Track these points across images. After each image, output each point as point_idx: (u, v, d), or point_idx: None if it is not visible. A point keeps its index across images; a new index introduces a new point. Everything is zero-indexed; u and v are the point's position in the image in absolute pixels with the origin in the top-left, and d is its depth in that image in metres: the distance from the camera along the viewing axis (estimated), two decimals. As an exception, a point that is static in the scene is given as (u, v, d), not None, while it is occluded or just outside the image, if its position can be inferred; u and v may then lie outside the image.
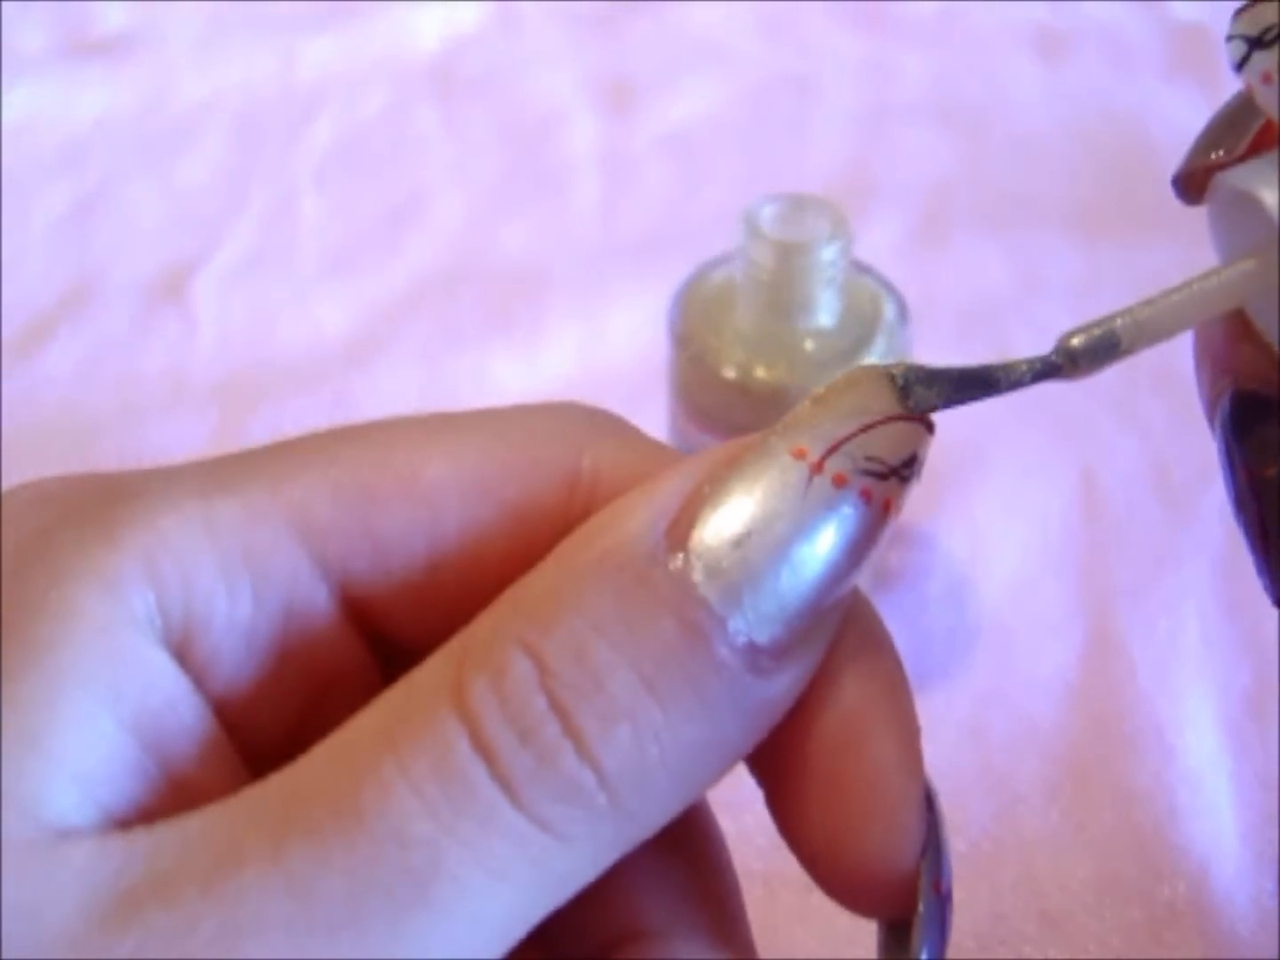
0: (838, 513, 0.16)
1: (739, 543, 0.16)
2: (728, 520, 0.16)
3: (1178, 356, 0.55)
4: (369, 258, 0.56)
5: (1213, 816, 0.37)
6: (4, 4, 0.68)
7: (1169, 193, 0.21)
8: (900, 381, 0.17)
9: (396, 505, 0.17)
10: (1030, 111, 0.62)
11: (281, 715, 0.17)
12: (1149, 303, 0.19)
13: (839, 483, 0.16)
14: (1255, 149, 0.20)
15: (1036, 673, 0.40)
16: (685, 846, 0.18)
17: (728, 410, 0.36)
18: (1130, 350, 0.19)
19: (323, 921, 0.14)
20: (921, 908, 0.17)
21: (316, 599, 0.17)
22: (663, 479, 0.17)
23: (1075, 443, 0.47)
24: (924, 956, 0.17)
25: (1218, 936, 0.34)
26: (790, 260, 0.35)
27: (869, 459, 0.16)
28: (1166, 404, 0.48)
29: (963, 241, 0.55)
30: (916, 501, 0.41)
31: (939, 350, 0.50)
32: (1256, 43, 0.18)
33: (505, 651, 0.15)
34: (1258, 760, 0.38)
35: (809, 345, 0.36)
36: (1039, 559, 0.43)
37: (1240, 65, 0.18)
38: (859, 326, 0.37)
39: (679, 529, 0.16)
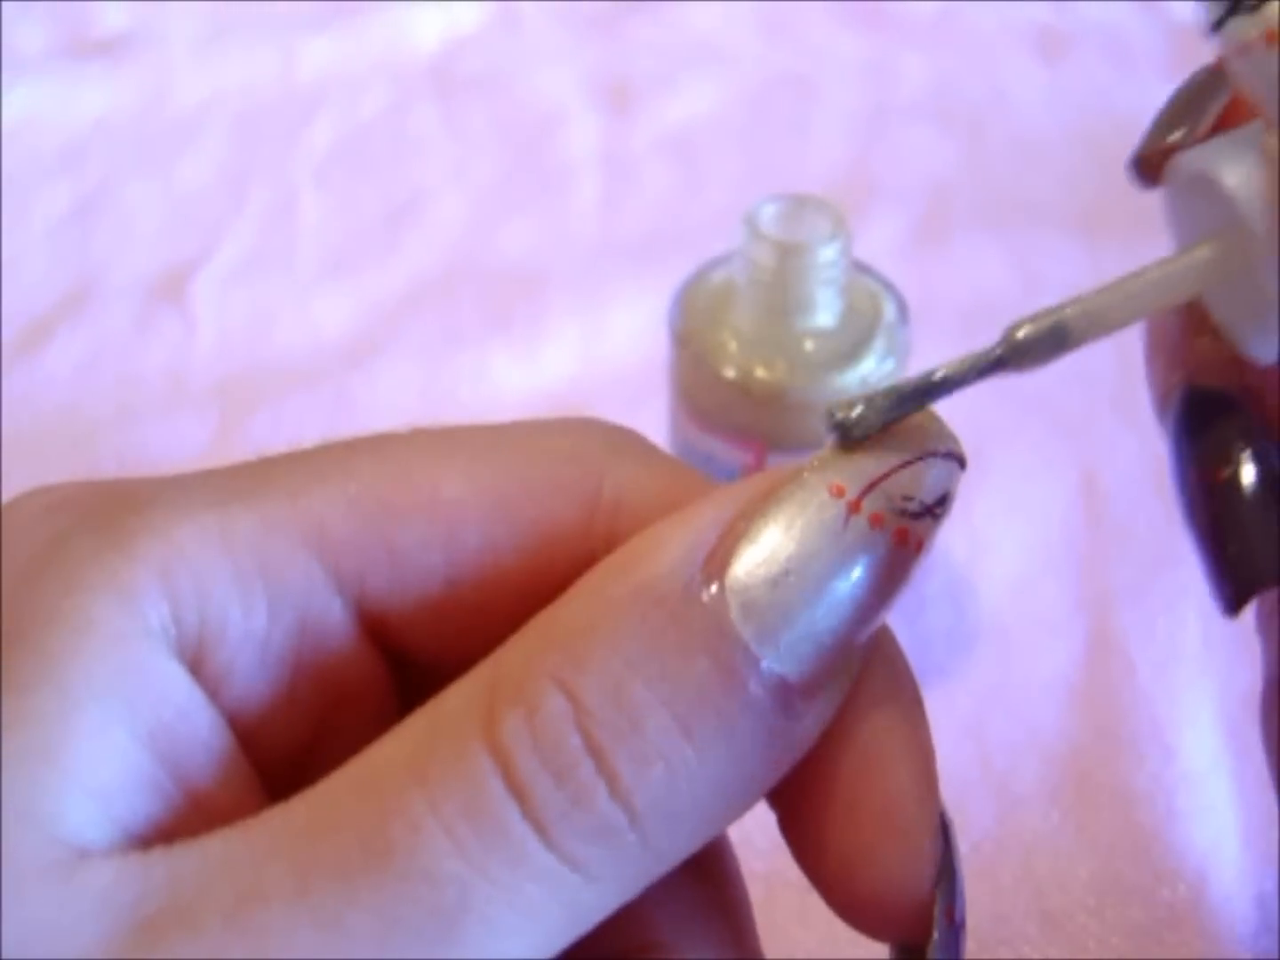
0: (873, 553, 0.16)
1: (776, 582, 0.16)
2: (765, 557, 0.16)
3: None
4: (369, 258, 0.56)
5: (1213, 817, 0.37)
6: (4, 4, 0.68)
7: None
8: (837, 416, 0.17)
9: (414, 522, 0.17)
10: (1030, 112, 0.62)
11: (296, 728, 0.17)
12: (1102, 290, 0.18)
13: (876, 523, 0.16)
14: (1219, 130, 0.19)
15: (1036, 673, 0.40)
16: (696, 857, 0.18)
17: (728, 410, 0.36)
18: (1080, 341, 0.18)
19: (353, 951, 0.14)
20: (936, 935, 0.17)
21: (332, 613, 0.17)
22: (698, 508, 0.16)
23: (1075, 443, 0.47)
24: None
25: (1218, 937, 0.34)
26: (790, 260, 0.35)
27: (905, 498, 0.16)
28: None
29: (963, 241, 0.55)
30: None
31: (939, 350, 0.50)
32: (1235, 5, 0.16)
33: (539, 687, 0.15)
34: (1258, 760, 0.38)
35: (809, 345, 0.36)
36: (1039, 559, 0.43)
37: (1215, 28, 0.17)
38: (859, 326, 0.36)
39: (715, 563, 0.16)
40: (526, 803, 0.14)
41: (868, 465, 0.16)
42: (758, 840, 0.36)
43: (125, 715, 0.15)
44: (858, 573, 0.16)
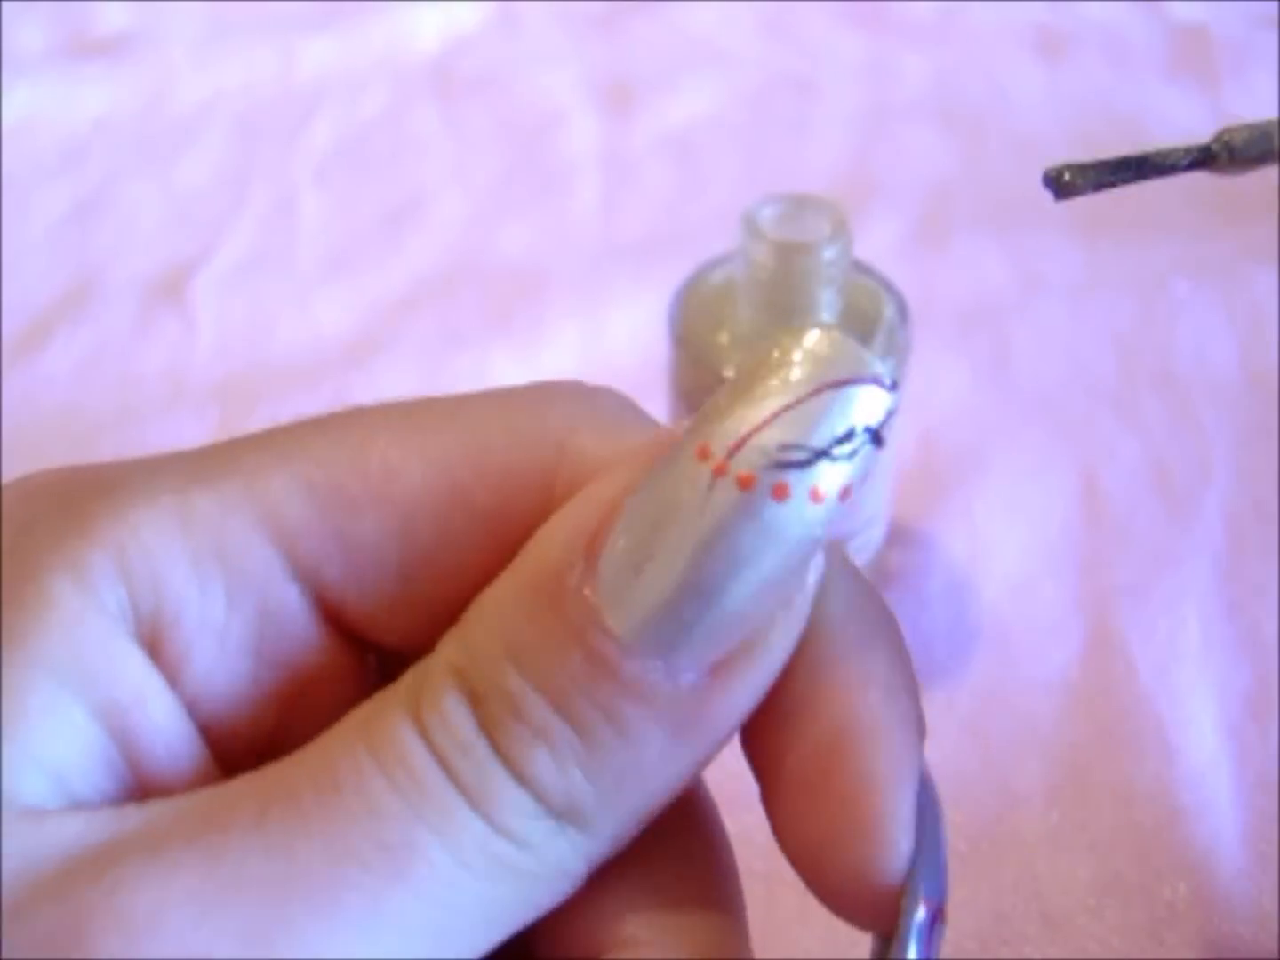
0: (749, 521, 0.14)
1: (638, 568, 0.15)
2: (628, 542, 0.15)
3: (1178, 357, 0.55)
4: (369, 258, 0.56)
5: (1213, 817, 0.37)
6: (4, 4, 0.68)
7: (1169, 192, 0.21)
8: (1049, 173, 0.16)
9: (368, 512, 0.17)
10: (1030, 112, 0.62)
11: (259, 714, 0.17)
12: None
13: (745, 484, 0.14)
14: None
15: (1037, 673, 0.40)
16: (680, 852, 0.17)
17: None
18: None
19: (301, 885, 0.14)
20: (901, 924, 0.16)
21: (290, 599, 0.17)
22: (589, 489, 0.16)
23: (1075, 443, 0.47)
24: None
25: (1218, 937, 0.34)
26: (790, 260, 0.35)
27: (784, 448, 0.14)
28: (1167, 404, 0.48)
29: (963, 241, 0.55)
30: (916, 501, 0.41)
31: (939, 350, 0.50)
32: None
33: (442, 676, 0.15)
34: (1258, 760, 0.38)
35: (809, 345, 0.36)
36: (1039, 559, 0.43)
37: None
38: (859, 326, 0.36)
39: (593, 549, 0.15)
40: (445, 766, 0.15)
41: (742, 413, 0.14)
42: (758, 839, 0.36)
43: (80, 692, 0.15)
44: (730, 546, 0.14)
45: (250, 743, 0.17)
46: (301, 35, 0.68)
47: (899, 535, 0.43)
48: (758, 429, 0.14)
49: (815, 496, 0.14)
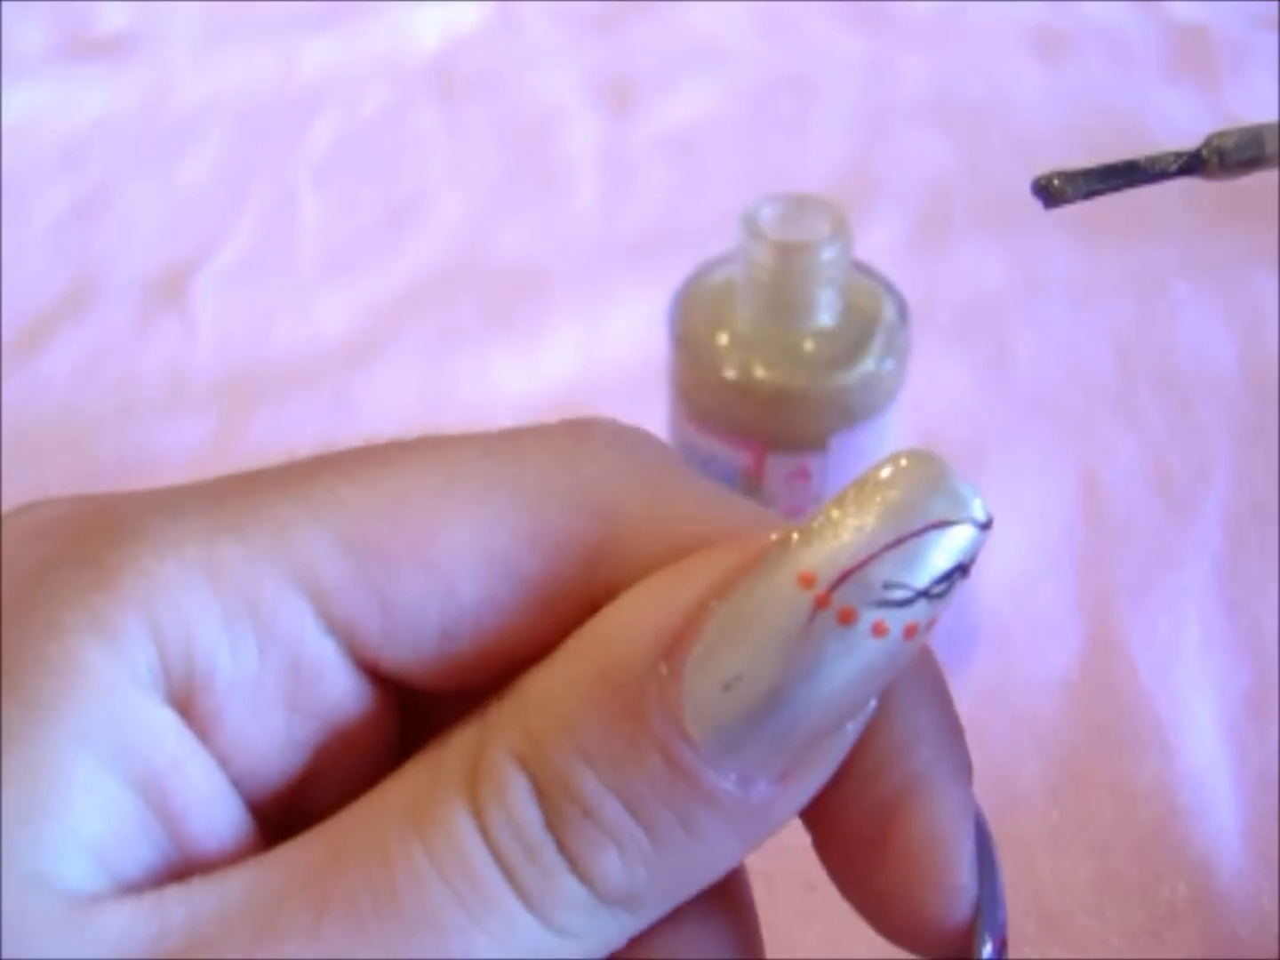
0: (844, 653, 0.14)
1: (729, 685, 0.14)
2: (719, 656, 0.15)
3: (1178, 357, 0.55)
4: (369, 258, 0.56)
5: (1213, 816, 0.37)
6: (4, 4, 0.68)
7: (1170, 192, 0.21)
8: (1039, 181, 0.16)
9: (408, 574, 0.16)
10: (1030, 111, 0.62)
11: (292, 766, 0.17)
12: None
13: (846, 619, 0.14)
14: None
15: (1037, 673, 0.40)
16: None
17: (728, 410, 0.36)
18: (1272, 158, 0.17)
19: None
20: (978, 956, 0.16)
21: (324, 654, 0.16)
22: (671, 581, 0.15)
23: (1075, 443, 0.47)
24: None
25: (1218, 936, 0.34)
26: (790, 260, 0.35)
27: (889, 586, 0.14)
28: (1167, 404, 0.48)
29: (963, 241, 0.55)
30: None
31: (939, 350, 0.50)
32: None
33: (506, 767, 0.15)
34: (1258, 760, 0.38)
35: (809, 345, 0.36)
36: (1039, 559, 0.43)
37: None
38: (859, 326, 0.36)
39: (677, 654, 0.15)
40: (506, 870, 0.15)
41: (849, 542, 0.14)
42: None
43: (116, 765, 0.15)
44: (823, 677, 0.14)
45: (285, 790, 0.17)
46: (301, 35, 0.68)
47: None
48: (863, 564, 0.14)
49: (909, 633, 0.15)
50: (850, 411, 0.36)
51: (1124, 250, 0.54)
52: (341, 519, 0.16)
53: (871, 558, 0.14)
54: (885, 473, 0.15)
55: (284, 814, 0.16)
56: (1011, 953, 0.34)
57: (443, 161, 0.61)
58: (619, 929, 0.15)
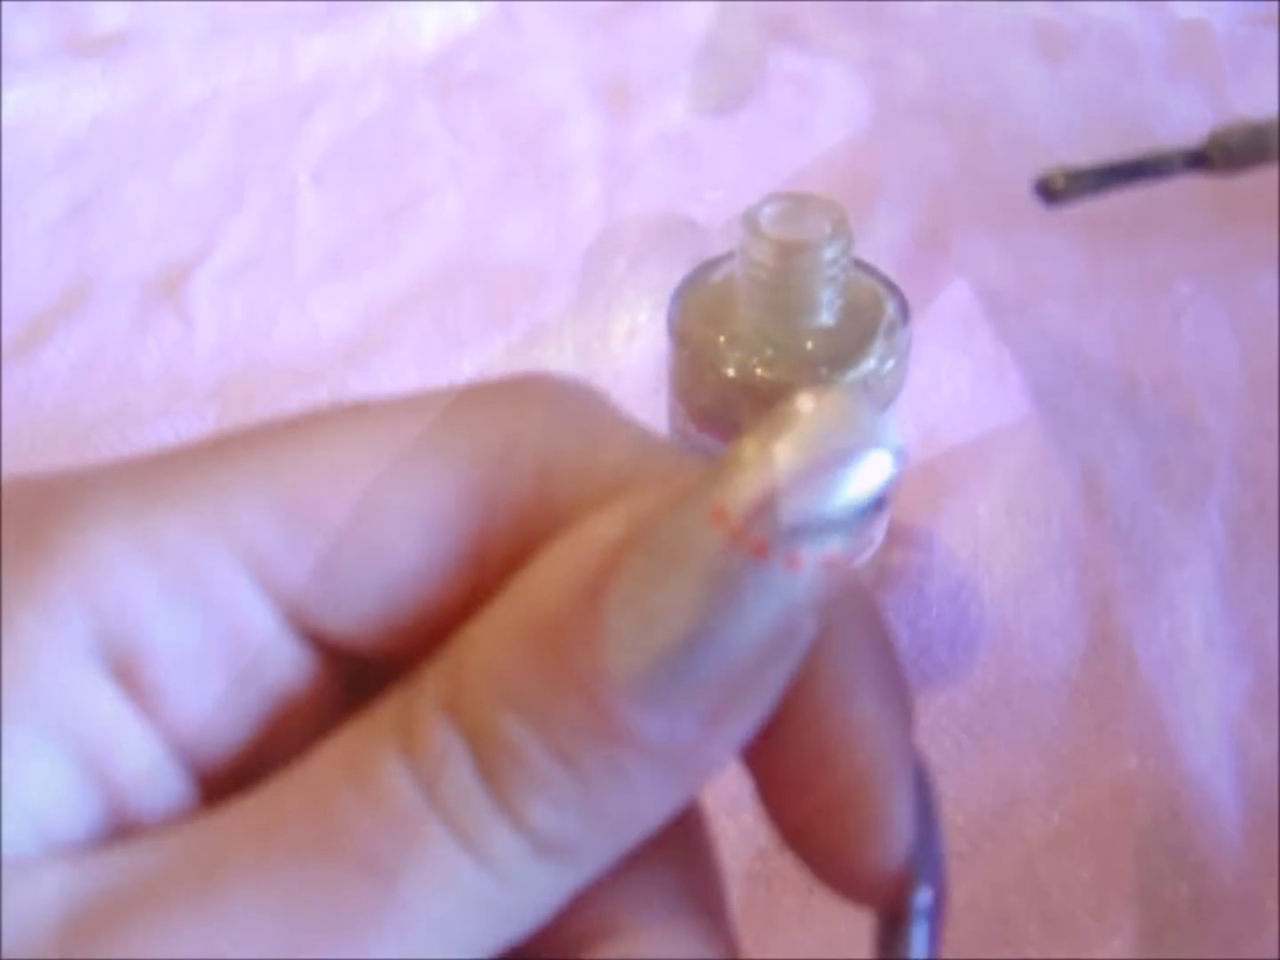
0: (762, 588, 0.14)
1: (648, 625, 0.14)
2: (637, 596, 0.15)
3: (1180, 357, 0.55)
4: (368, 257, 0.56)
5: (1215, 817, 0.36)
6: (3, 4, 0.68)
7: (1171, 193, 0.21)
8: (1041, 179, 0.15)
9: (346, 539, 0.16)
10: (1031, 110, 0.62)
11: (237, 736, 0.17)
12: None
13: (759, 553, 0.14)
14: None
15: (1038, 672, 0.40)
16: (663, 841, 0.17)
17: (728, 410, 0.36)
18: (1275, 154, 0.17)
19: (304, 940, 0.14)
20: (907, 908, 0.16)
21: (265, 622, 0.16)
22: (591, 526, 0.15)
23: (1077, 442, 0.47)
24: (916, 956, 0.16)
25: (1220, 937, 0.34)
26: (790, 260, 0.35)
27: (799, 518, 0.14)
28: (1168, 404, 0.48)
29: (963, 241, 0.55)
30: (918, 501, 0.41)
31: (939, 350, 0.50)
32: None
33: (436, 716, 0.15)
34: (1260, 760, 0.38)
35: (809, 345, 0.36)
36: (1041, 558, 0.43)
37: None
38: (859, 326, 0.36)
39: (597, 596, 0.15)
40: (442, 816, 0.15)
41: (758, 477, 0.14)
42: (758, 839, 0.36)
43: (54, 735, 0.15)
44: (743, 613, 0.14)
45: (233, 763, 0.17)
46: (300, 34, 0.68)
47: (900, 534, 0.43)
48: (775, 498, 0.14)
49: (827, 564, 0.14)
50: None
51: (1127, 250, 0.54)
52: (279, 486, 0.16)
53: (781, 491, 0.14)
54: (795, 406, 0.15)
55: (233, 784, 0.16)
56: (1013, 953, 0.34)
57: (442, 161, 0.61)
58: (560, 878, 0.15)
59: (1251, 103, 0.60)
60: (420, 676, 0.16)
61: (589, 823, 0.15)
